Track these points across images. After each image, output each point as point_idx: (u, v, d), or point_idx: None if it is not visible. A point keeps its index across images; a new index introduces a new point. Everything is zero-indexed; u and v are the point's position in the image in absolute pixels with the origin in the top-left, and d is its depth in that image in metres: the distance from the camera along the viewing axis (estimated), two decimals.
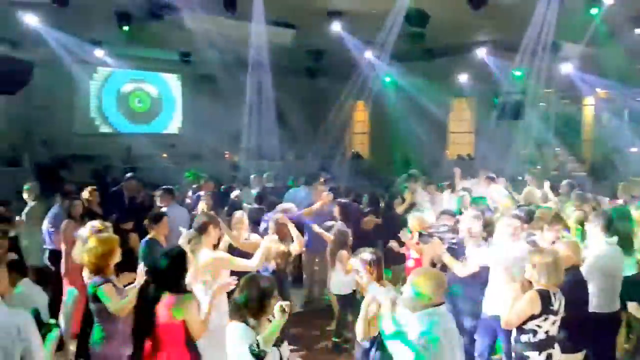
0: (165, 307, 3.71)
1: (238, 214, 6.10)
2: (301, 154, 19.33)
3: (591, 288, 4.46)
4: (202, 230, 4.90)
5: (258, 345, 3.10)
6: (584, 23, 10.22)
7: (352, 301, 6.13)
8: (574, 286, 4.15)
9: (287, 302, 3.34)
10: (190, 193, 9.53)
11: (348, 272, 5.61)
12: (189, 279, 4.11)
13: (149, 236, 5.72)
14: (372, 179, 11.70)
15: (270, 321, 3.30)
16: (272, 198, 8.70)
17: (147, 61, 17.17)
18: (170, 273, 3.79)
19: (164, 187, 7.91)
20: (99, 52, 14.20)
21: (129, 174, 9.29)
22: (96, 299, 3.96)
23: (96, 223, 4.98)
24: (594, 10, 9.55)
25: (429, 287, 3.16)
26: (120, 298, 3.96)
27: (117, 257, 4.14)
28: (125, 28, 11.33)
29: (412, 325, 3.17)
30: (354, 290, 5.95)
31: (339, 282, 6.25)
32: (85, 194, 7.65)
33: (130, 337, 4.02)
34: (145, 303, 3.79)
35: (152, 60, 17.06)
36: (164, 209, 7.12)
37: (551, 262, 3.72)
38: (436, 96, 15.02)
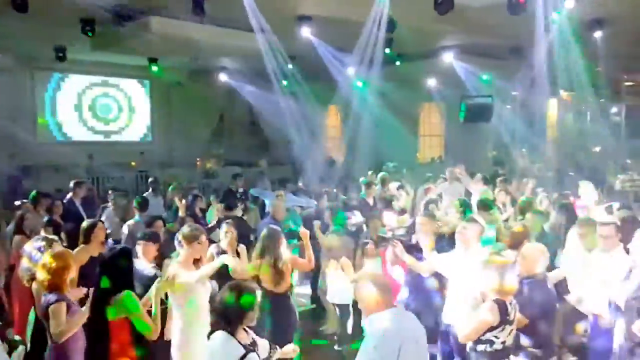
0: (108, 308, 3.77)
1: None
2: (274, 160, 19.26)
3: None
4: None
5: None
6: (546, 27, 10.47)
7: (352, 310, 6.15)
8: (537, 292, 4.13)
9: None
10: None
11: (353, 281, 5.54)
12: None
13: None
14: (347, 184, 11.72)
15: (245, 330, 3.27)
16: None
17: (114, 67, 16.92)
18: (112, 275, 3.85)
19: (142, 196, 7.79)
20: (62, 59, 13.86)
21: (74, 181, 8.78)
22: (48, 319, 3.77)
23: (40, 237, 4.71)
24: (555, 15, 9.80)
25: (372, 292, 3.14)
26: (72, 318, 3.79)
27: (72, 273, 3.96)
28: (90, 34, 11.14)
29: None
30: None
31: (339, 291, 6.11)
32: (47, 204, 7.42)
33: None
34: (99, 302, 3.79)
35: (118, 66, 16.81)
36: (131, 221, 7.07)
37: (504, 271, 3.69)
38: (406, 100, 15.19)
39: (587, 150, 16.18)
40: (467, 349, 3.79)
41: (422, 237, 5.24)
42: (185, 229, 4.69)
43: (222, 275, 4.73)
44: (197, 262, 4.63)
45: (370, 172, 11.33)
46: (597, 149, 15.61)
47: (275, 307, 4.73)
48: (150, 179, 10.19)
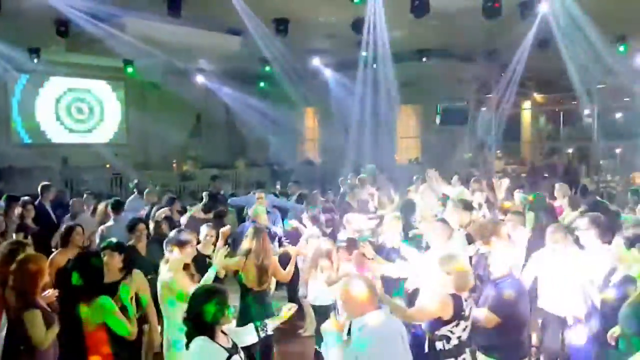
0: (83, 314, 3.70)
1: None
2: (251, 162, 19.20)
3: None
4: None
5: (265, 326, 3.47)
6: (520, 31, 10.65)
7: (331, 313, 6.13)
8: (509, 292, 4.08)
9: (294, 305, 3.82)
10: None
11: (331, 284, 5.57)
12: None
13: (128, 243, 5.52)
14: (325, 185, 11.73)
15: (223, 332, 3.24)
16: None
17: (88, 69, 16.64)
18: (82, 280, 3.78)
19: (115, 199, 7.65)
20: (36, 60, 13.60)
21: (42, 184, 8.52)
22: (21, 325, 3.66)
23: (13, 241, 4.65)
24: (529, 19, 9.98)
25: (364, 292, 3.19)
26: (48, 324, 3.73)
27: (45, 278, 3.87)
28: (64, 35, 10.98)
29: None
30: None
31: (318, 293, 6.00)
32: (18, 209, 7.25)
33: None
34: (69, 312, 3.73)
35: (93, 67, 16.54)
36: (110, 222, 6.92)
37: (460, 267, 3.76)
38: (383, 102, 15.25)
39: (560, 151, 16.50)
40: (427, 348, 3.80)
41: (389, 237, 5.34)
42: (176, 233, 4.68)
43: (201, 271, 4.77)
44: (186, 267, 4.61)
45: (350, 175, 11.38)
46: (570, 150, 15.92)
47: (256, 303, 4.80)
48: (135, 181, 10.04)
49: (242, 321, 4.70)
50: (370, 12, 10.37)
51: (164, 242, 4.71)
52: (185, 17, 9.89)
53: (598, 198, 8.33)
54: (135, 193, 9.27)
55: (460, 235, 5.68)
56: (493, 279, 4.23)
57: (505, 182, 8.56)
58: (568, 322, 4.77)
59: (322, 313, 6.10)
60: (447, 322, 3.66)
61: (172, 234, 4.76)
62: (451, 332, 3.67)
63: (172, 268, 4.47)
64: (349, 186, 9.63)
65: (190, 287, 4.27)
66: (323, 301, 6.06)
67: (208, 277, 4.45)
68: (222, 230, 5.26)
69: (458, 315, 3.67)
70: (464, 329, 3.73)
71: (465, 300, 3.74)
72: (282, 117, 18.85)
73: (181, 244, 4.53)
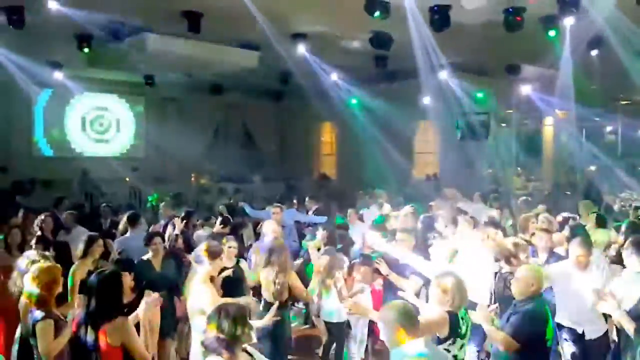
0: (102, 334, 3.58)
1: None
2: (268, 176, 19.18)
3: None
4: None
5: None
6: (543, 45, 10.51)
7: (345, 330, 5.97)
8: (528, 316, 3.90)
9: None
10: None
11: (343, 299, 5.47)
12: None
13: (143, 257, 5.58)
14: (341, 200, 11.63)
15: (246, 351, 3.08)
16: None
17: (109, 83, 16.88)
18: (103, 299, 3.66)
19: (130, 212, 7.65)
20: (58, 75, 13.85)
21: (55, 197, 8.86)
22: (35, 334, 3.71)
23: (32, 252, 4.71)
24: (552, 33, 9.83)
25: (395, 323, 3.04)
26: (59, 334, 3.71)
27: (59, 287, 3.92)
28: (86, 50, 11.13)
29: None
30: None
31: (332, 309, 5.86)
32: (38, 221, 7.28)
33: None
34: (83, 330, 3.64)
35: (114, 82, 16.78)
36: (128, 234, 6.89)
37: (456, 285, 3.66)
38: (401, 117, 15.15)
39: (582, 169, 16.18)
40: None
41: (402, 252, 5.24)
42: (209, 244, 4.69)
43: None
44: (212, 280, 4.61)
45: (367, 190, 11.27)
46: (593, 168, 15.60)
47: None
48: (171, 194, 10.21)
49: (259, 334, 4.63)
50: (388, 26, 10.29)
51: (192, 253, 4.72)
52: (205, 33, 9.97)
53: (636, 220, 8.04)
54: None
55: (485, 253, 5.54)
56: (515, 301, 4.08)
57: (521, 199, 8.41)
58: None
59: (337, 330, 6.01)
60: (443, 340, 3.58)
61: (201, 245, 4.76)
62: (447, 350, 3.56)
63: (200, 280, 4.45)
64: (365, 202, 9.54)
65: (216, 301, 4.21)
66: (338, 318, 5.96)
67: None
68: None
69: (454, 332, 3.58)
70: (461, 348, 3.64)
71: (462, 319, 3.65)
72: (299, 132, 18.86)
73: (213, 255, 4.54)
